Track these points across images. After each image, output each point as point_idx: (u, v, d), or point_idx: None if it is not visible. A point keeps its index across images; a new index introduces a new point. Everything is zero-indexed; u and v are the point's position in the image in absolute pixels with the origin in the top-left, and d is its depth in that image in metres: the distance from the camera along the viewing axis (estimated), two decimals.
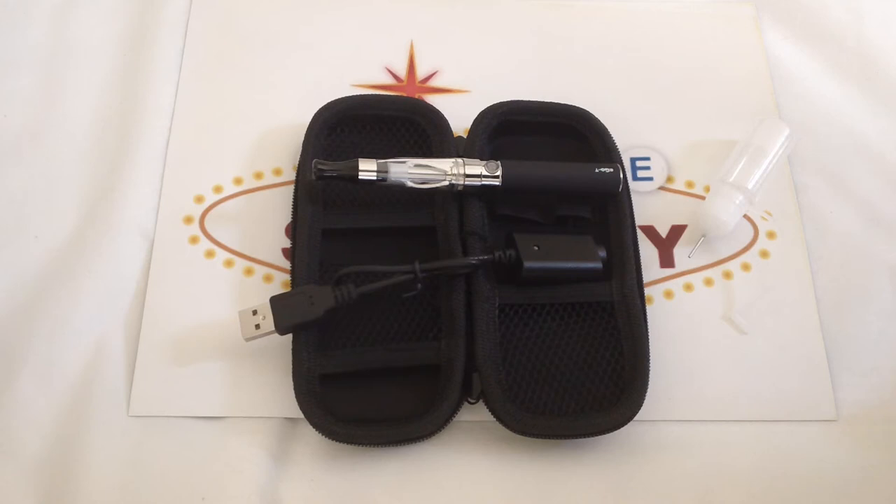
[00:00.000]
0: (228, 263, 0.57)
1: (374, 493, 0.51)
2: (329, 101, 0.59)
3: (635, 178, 0.61)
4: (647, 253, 0.58)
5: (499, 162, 0.56)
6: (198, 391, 0.53)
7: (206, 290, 0.56)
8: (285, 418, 0.52)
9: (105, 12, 0.66)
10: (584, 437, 0.51)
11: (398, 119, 0.59)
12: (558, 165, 0.57)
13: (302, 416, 0.50)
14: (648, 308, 0.55)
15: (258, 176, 0.60)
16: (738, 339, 0.56)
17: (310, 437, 0.51)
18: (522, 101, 0.60)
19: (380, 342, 0.53)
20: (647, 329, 0.53)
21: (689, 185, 0.61)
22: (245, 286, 0.56)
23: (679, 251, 0.58)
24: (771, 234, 0.59)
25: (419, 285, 0.52)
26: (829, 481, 0.52)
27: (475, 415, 0.52)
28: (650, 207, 0.60)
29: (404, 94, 0.63)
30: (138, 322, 0.54)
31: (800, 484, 0.51)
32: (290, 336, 0.52)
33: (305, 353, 0.51)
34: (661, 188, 0.61)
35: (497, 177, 0.55)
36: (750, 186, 0.58)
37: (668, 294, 0.57)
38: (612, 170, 0.57)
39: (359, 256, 0.55)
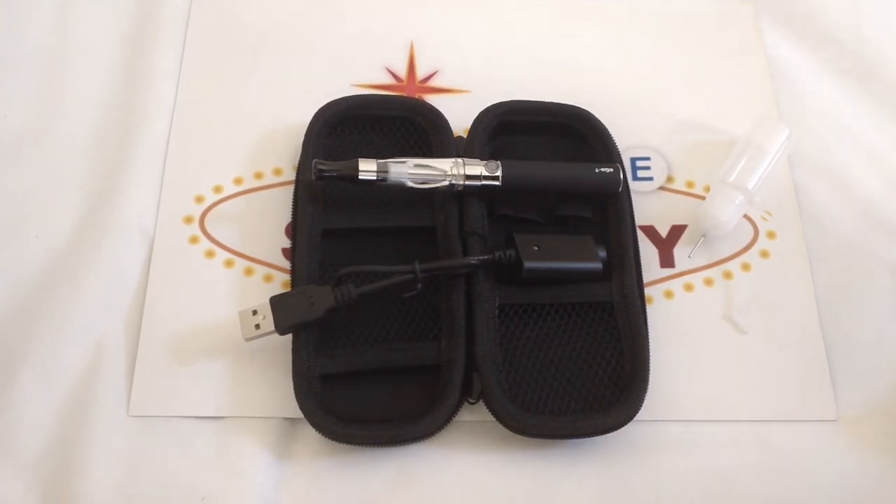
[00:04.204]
0: (228, 263, 0.57)
1: (374, 492, 0.51)
2: (329, 101, 0.59)
3: (635, 178, 0.61)
4: (647, 253, 0.58)
5: (499, 162, 0.56)
6: (198, 391, 0.53)
7: (206, 290, 0.56)
8: (285, 418, 0.52)
9: (105, 12, 0.66)
10: (584, 437, 0.51)
11: (398, 119, 0.59)
12: (558, 165, 0.57)
13: (302, 416, 0.50)
14: (648, 308, 0.55)
15: (258, 176, 0.60)
16: (738, 339, 0.56)
17: (310, 437, 0.51)
18: (522, 101, 0.60)
19: (380, 342, 0.53)
20: (647, 329, 0.53)
21: (689, 185, 0.61)
22: (245, 286, 0.56)
23: (679, 251, 0.58)
24: (771, 234, 0.59)
25: (419, 285, 0.52)
26: (829, 481, 0.52)
27: (475, 415, 0.52)
28: (650, 207, 0.60)
29: (404, 94, 0.63)
30: (138, 322, 0.54)
31: (800, 484, 0.51)
32: (290, 336, 0.52)
33: (305, 353, 0.51)
34: (661, 188, 0.61)
35: (497, 177, 0.55)
36: (750, 186, 0.58)
37: (668, 294, 0.57)
38: (612, 170, 0.57)
39: (359, 256, 0.55)
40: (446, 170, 0.55)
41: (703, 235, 0.58)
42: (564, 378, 0.52)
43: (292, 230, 0.56)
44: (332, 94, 0.59)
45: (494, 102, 0.59)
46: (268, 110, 0.62)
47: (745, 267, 0.58)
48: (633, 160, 0.61)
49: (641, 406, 0.51)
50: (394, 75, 0.64)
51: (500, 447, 0.52)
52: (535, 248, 0.53)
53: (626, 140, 0.61)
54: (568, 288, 0.54)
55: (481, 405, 0.52)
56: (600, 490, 0.51)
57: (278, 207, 0.58)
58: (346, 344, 0.53)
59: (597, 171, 0.56)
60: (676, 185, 0.61)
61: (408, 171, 0.55)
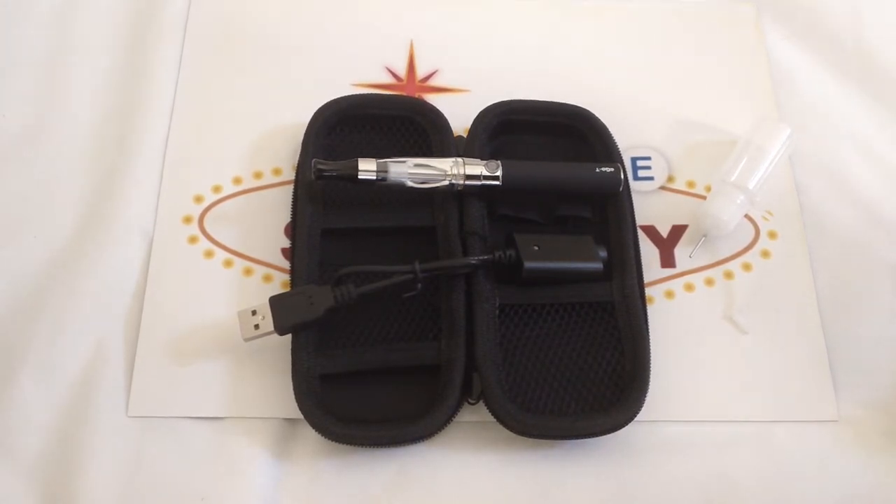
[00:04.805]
0: (228, 263, 0.57)
1: (374, 493, 0.51)
2: (329, 100, 0.59)
3: (636, 177, 0.61)
4: (648, 253, 0.58)
5: (499, 162, 0.56)
6: (197, 391, 0.53)
7: (205, 290, 0.56)
8: (285, 418, 0.52)
9: (105, 12, 0.66)
10: (585, 438, 0.51)
11: (398, 119, 0.59)
12: (558, 165, 0.57)
13: (301, 416, 0.50)
14: (649, 308, 0.55)
15: (258, 176, 0.59)
16: (738, 338, 0.55)
17: (310, 437, 0.51)
18: (523, 101, 0.60)
19: (380, 342, 0.53)
20: (647, 329, 0.53)
21: (690, 184, 0.61)
22: (244, 286, 0.56)
23: (680, 251, 0.58)
24: (772, 234, 0.59)
25: (419, 285, 0.52)
26: (829, 481, 0.51)
27: (475, 415, 0.52)
28: (651, 207, 0.59)
29: (404, 94, 0.63)
30: (138, 322, 0.54)
31: (800, 484, 0.51)
32: (290, 336, 0.52)
33: (305, 354, 0.51)
34: (662, 188, 0.61)
35: (497, 177, 0.55)
36: (751, 186, 0.58)
37: (669, 294, 0.57)
38: (612, 169, 0.56)
39: (359, 256, 0.55)
40: (446, 169, 0.55)
41: (704, 235, 0.58)
42: (565, 378, 0.52)
43: (292, 230, 0.56)
44: (332, 93, 0.59)
45: (494, 102, 0.59)
46: (267, 110, 0.62)
47: (746, 267, 0.58)
48: (634, 160, 0.61)
49: (642, 406, 0.51)
50: (394, 75, 0.64)
51: (500, 447, 0.52)
52: (536, 248, 0.53)
53: (627, 140, 0.61)
54: (568, 288, 0.54)
55: (481, 405, 0.51)
56: (600, 490, 0.51)
57: (278, 207, 0.58)
58: (346, 344, 0.53)
59: (597, 170, 0.56)
60: (677, 185, 0.61)
61: (408, 170, 0.55)
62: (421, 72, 0.64)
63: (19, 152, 0.60)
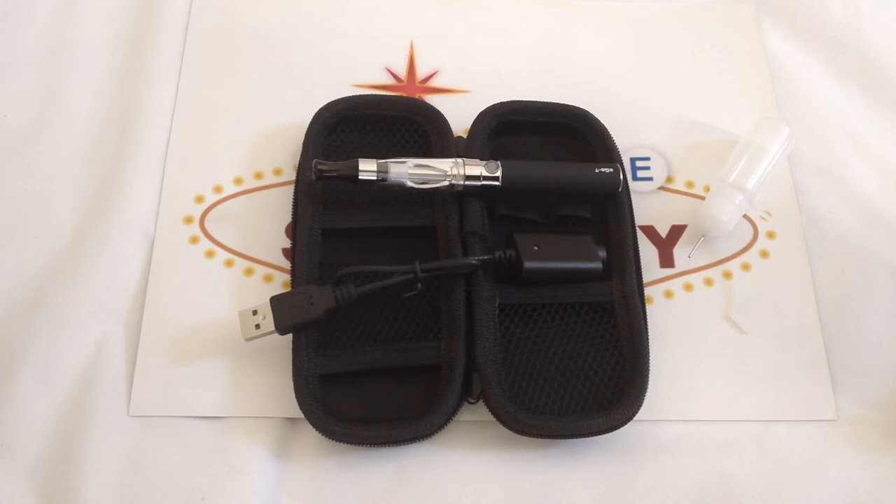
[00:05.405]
0: (228, 263, 0.57)
1: (375, 492, 0.51)
2: (329, 101, 0.59)
3: (635, 178, 0.61)
4: (647, 253, 0.58)
5: (499, 162, 0.56)
6: (198, 391, 0.53)
7: (206, 290, 0.56)
8: (285, 418, 0.52)
9: (105, 12, 0.66)
10: (585, 437, 0.51)
11: (398, 119, 0.59)
12: (558, 165, 0.57)
13: (302, 416, 0.50)
14: (648, 308, 0.55)
15: (258, 176, 0.60)
16: (738, 339, 0.56)
17: (310, 437, 0.51)
18: (522, 101, 0.60)
19: (380, 342, 0.53)
20: (647, 329, 0.53)
21: (689, 185, 0.61)
22: (245, 286, 0.56)
23: (679, 251, 0.58)
24: (771, 234, 0.59)
25: (419, 285, 0.52)
26: (828, 481, 0.52)
27: (475, 415, 0.52)
28: (650, 207, 0.60)
29: (404, 94, 0.63)
30: (138, 322, 0.54)
31: (799, 484, 0.51)
32: (290, 336, 0.52)
33: (305, 353, 0.51)
34: (661, 188, 0.61)
35: (497, 177, 0.55)
36: (750, 186, 0.58)
37: (668, 294, 0.57)
38: (611, 170, 0.57)
39: (359, 256, 0.55)
40: (446, 170, 0.55)
41: (703, 235, 0.58)
42: (564, 378, 0.52)
43: (292, 230, 0.56)
44: (332, 94, 0.59)
45: (494, 102, 0.59)
46: (268, 110, 0.62)
47: (745, 267, 0.58)
48: (633, 160, 0.61)
49: (641, 406, 0.51)
50: (394, 75, 0.64)
51: (500, 447, 0.52)
52: (535, 248, 0.53)
53: (626, 140, 0.61)
54: (568, 288, 0.54)
55: (481, 405, 0.52)
56: (600, 490, 0.51)
57: (278, 207, 0.58)
58: (346, 344, 0.53)
59: (597, 171, 0.56)
60: (676, 185, 0.61)
61: (408, 171, 0.55)
62: (421, 72, 0.64)
63: (19, 152, 0.60)
